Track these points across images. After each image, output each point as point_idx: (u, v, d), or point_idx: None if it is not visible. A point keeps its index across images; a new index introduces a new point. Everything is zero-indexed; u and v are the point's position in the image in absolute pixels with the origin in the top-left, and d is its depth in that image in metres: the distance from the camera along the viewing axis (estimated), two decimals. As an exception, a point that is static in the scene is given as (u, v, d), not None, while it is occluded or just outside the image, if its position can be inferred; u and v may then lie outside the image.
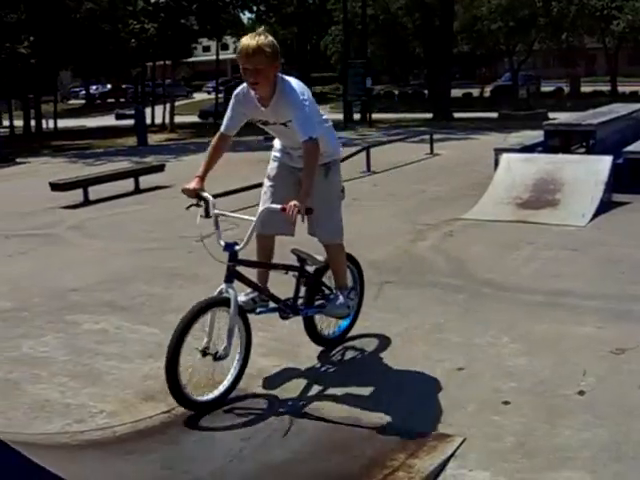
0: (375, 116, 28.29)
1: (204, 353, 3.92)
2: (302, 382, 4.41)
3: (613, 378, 4.33)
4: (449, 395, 4.17)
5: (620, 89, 41.62)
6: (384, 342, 4.98)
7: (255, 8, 38.40)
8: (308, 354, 4.80)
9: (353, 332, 5.06)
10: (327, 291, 4.72)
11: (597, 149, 10.59)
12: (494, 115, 28.72)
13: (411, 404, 4.09)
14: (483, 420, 3.87)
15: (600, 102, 21.72)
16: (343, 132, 23.48)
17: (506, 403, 4.05)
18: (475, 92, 44.81)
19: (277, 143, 4.67)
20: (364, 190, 11.40)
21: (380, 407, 4.05)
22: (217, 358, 3.95)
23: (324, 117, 4.70)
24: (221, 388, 4.10)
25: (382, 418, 3.94)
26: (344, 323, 4.94)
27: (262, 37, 4.06)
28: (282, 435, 3.77)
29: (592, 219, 8.45)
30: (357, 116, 29.53)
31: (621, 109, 14.67)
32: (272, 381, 4.44)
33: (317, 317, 4.75)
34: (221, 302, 4.07)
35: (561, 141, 11.28)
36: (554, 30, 40.57)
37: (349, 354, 4.83)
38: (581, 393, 4.14)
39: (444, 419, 3.89)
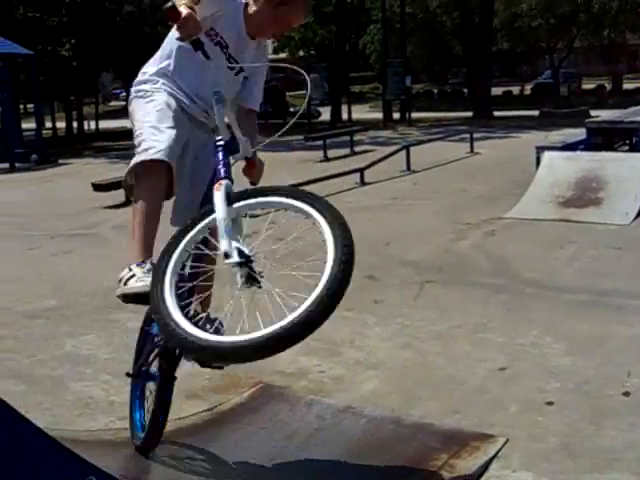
0: (414, 115, 28.16)
1: None
2: (342, 382, 4.41)
3: (659, 379, 4.26)
4: (491, 395, 4.13)
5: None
6: (425, 341, 4.96)
7: (294, 8, 38.45)
8: (349, 354, 4.80)
9: (395, 331, 5.06)
10: None
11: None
12: (535, 113, 28.40)
13: (453, 404, 4.06)
14: (526, 420, 3.83)
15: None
16: (383, 131, 23.49)
17: (550, 404, 4.00)
18: (515, 90, 44.40)
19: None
20: (404, 189, 11.39)
21: (421, 407, 4.04)
22: None
23: None
24: None
25: (423, 418, 3.92)
26: None
27: None
28: (323, 435, 3.77)
29: (636, 217, 8.33)
30: (396, 115, 29.44)
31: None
32: (312, 381, 4.44)
33: None
34: None
35: (604, 139, 11.14)
36: (595, 26, 40.04)
37: (390, 353, 4.82)
38: (626, 394, 4.08)
39: (487, 419, 3.86)
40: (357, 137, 18.51)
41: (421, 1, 42.33)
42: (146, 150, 3.02)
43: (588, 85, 45.11)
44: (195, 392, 4.32)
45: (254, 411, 4.04)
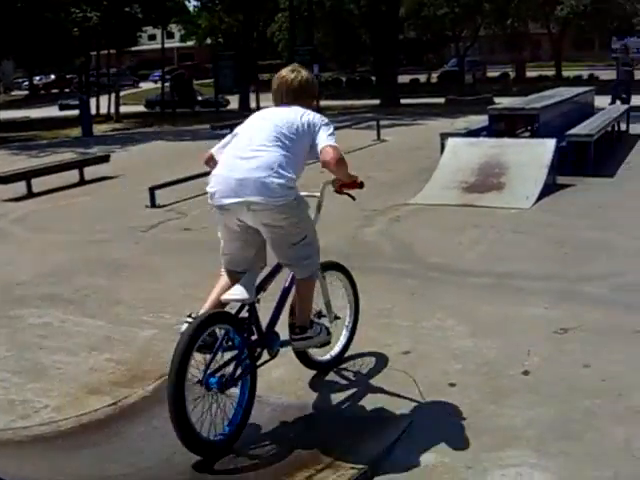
0: (323, 103, 28.14)
1: None
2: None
3: (557, 358, 4.40)
4: (396, 379, 4.19)
5: (564, 73, 42.20)
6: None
7: (201, -4, 38.10)
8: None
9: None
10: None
11: (541, 132, 10.72)
12: (441, 101, 28.89)
13: (358, 389, 4.11)
14: (430, 402, 3.90)
15: (545, 86, 21.92)
16: (291, 120, 23.46)
17: (452, 385, 4.09)
18: (422, 78, 45.03)
19: None
20: (311, 177, 11.35)
21: (327, 393, 4.07)
22: None
23: None
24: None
25: (330, 404, 3.96)
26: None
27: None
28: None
29: (536, 201, 8.57)
30: (305, 103, 29.45)
31: (565, 93, 14.87)
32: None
33: None
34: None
35: (506, 125, 11.38)
36: (499, 16, 40.92)
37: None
38: (526, 373, 4.21)
39: (391, 403, 3.92)
40: (266, 126, 18.38)
41: (328, -11, 42.47)
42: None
43: (493, 73, 46.11)
44: (99, 387, 4.25)
45: (159, 404, 3.98)
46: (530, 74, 43.75)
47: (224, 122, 18.18)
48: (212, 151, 3.96)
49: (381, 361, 4.44)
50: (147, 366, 4.51)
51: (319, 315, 4.17)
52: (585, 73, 41.32)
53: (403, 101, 29.01)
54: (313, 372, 4.28)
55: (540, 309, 5.20)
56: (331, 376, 4.27)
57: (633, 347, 4.50)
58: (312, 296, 4.00)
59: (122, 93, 36.10)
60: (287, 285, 4.03)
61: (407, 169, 11.59)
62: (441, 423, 3.69)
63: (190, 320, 3.54)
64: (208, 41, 54.14)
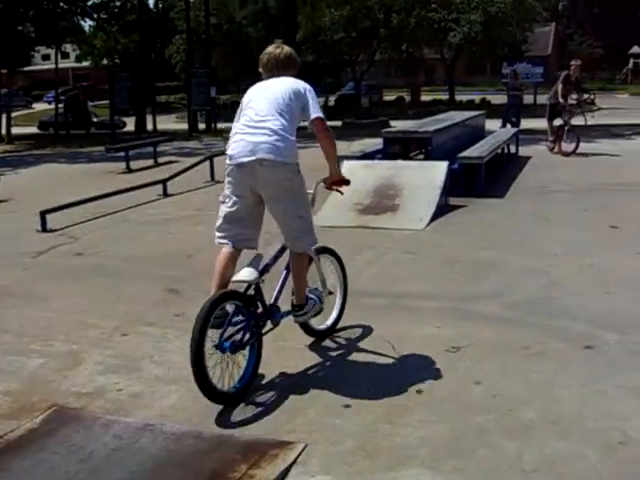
0: (222, 125, 28.09)
1: None
2: (142, 399, 4.30)
3: (449, 375, 4.47)
4: (291, 401, 4.18)
5: (458, 97, 43.40)
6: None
7: (96, 16, 37.38)
8: (149, 370, 4.69)
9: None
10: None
11: (434, 155, 10.95)
12: (338, 124, 29.19)
13: (253, 413, 4.07)
14: (325, 424, 3.90)
15: (440, 110, 22.53)
16: (188, 142, 23.29)
17: (347, 406, 4.10)
18: (320, 101, 45.49)
19: None
20: (208, 200, 11.28)
21: (221, 418, 4.02)
22: None
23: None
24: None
25: (223, 429, 3.91)
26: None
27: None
28: (120, 455, 3.66)
29: (430, 222, 8.74)
30: (202, 126, 29.29)
31: (457, 116, 15.29)
32: (110, 400, 4.30)
33: None
34: None
35: (401, 148, 11.59)
36: (395, 41, 41.76)
37: (188, 366, 4.74)
38: (419, 392, 4.26)
39: (286, 426, 3.90)
40: (162, 148, 18.24)
41: (226, 12, 42.49)
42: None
43: (389, 96, 47.01)
44: (-17, 420, 4.07)
45: (47, 436, 3.86)
46: (425, 98, 44.85)
47: (120, 144, 17.90)
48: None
49: (276, 385, 4.41)
50: (35, 396, 4.35)
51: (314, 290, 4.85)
52: (477, 97, 42.64)
53: (301, 124, 29.18)
54: (202, 401, 4.22)
55: (433, 328, 5.29)
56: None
57: (523, 363, 4.63)
58: (306, 274, 4.75)
59: (14, 114, 35.06)
60: (286, 269, 4.77)
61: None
62: (337, 445, 3.68)
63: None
64: (104, 62, 53.35)
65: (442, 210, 9.27)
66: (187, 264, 7.32)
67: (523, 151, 16.31)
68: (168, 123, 33.14)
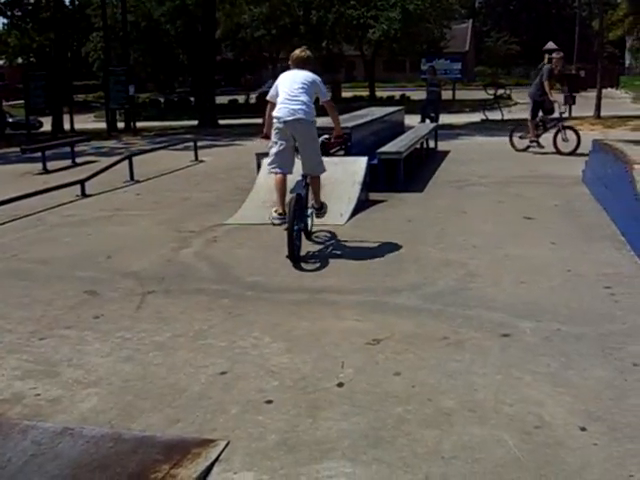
0: (141, 124, 27.81)
1: None
2: (61, 403, 4.23)
3: (370, 368, 4.52)
4: (213, 400, 4.16)
5: (378, 94, 43.78)
6: (147, 353, 4.89)
7: (9, 13, 36.49)
8: (67, 374, 4.61)
9: (116, 345, 4.96)
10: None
11: (354, 151, 11.01)
12: (259, 121, 29.12)
13: (175, 413, 4.04)
14: (247, 421, 3.90)
15: (360, 106, 22.62)
16: (107, 141, 22.92)
17: (269, 402, 4.11)
18: (241, 99, 45.26)
19: None
20: (127, 199, 11.17)
21: (143, 419, 3.98)
22: None
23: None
24: None
25: (145, 430, 3.87)
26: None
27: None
28: (39, 460, 3.59)
29: (350, 218, 8.80)
30: (121, 125, 28.86)
31: (376, 112, 15.42)
32: (28, 405, 4.21)
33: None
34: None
35: (321, 144, 11.58)
36: (314, 38, 41.87)
37: (111, 368, 4.68)
38: (340, 385, 4.29)
39: (208, 424, 3.88)
40: (80, 148, 17.91)
41: (144, 9, 41.91)
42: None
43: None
44: None
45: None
46: (345, 94, 45.07)
47: (36, 145, 17.49)
48: (271, 99, 7.41)
49: (198, 383, 4.39)
50: (-52, 405, 4.23)
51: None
52: (397, 93, 43.05)
53: (222, 122, 29.04)
54: (126, 398, 4.18)
55: (353, 321, 5.34)
56: (146, 401, 4.17)
57: (441, 353, 4.71)
58: (320, 188, 7.69)
59: None
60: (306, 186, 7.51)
61: (224, 189, 11.61)
62: (259, 441, 3.69)
63: (278, 215, 7.15)
64: (19, 60, 51.95)
65: (362, 205, 9.36)
66: (106, 265, 7.21)
67: (442, 146, 16.59)
68: (86, 122, 32.59)
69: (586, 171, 11.03)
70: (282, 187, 7.24)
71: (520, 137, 15.28)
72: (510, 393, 4.11)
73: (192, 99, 40.69)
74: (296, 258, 6.88)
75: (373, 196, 9.98)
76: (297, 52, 7.58)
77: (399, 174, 10.88)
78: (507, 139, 15.68)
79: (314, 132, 7.31)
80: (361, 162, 9.74)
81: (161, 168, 14.36)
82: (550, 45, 65.38)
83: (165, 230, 8.72)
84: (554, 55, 15.41)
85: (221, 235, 8.32)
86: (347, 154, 11.11)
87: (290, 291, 6.12)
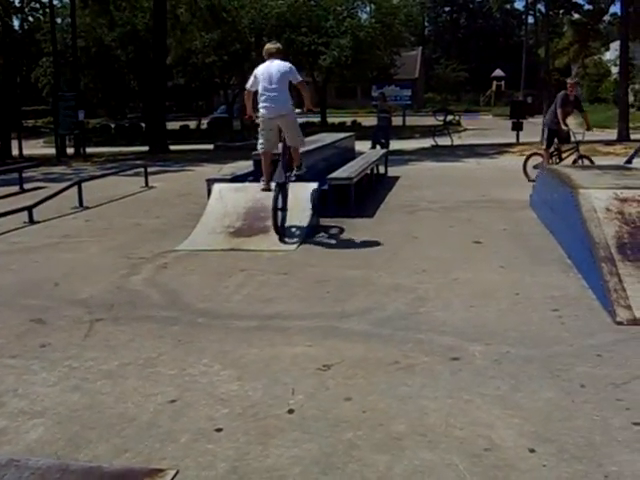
0: (91, 150, 27.57)
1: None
2: (6, 434, 4.12)
3: (320, 393, 4.51)
4: (162, 428, 4.10)
5: (330, 120, 44.03)
6: (94, 382, 4.81)
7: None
8: (13, 404, 4.51)
9: (63, 374, 4.88)
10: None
11: (306, 176, 11.03)
12: (210, 147, 29.15)
13: (123, 442, 3.97)
14: (196, 450, 3.85)
15: (313, 132, 22.77)
16: (56, 167, 22.66)
17: (219, 430, 4.06)
18: (192, 124, 45.18)
19: None
20: (76, 226, 11.03)
21: (90, 450, 3.90)
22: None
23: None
24: None
25: (92, 461, 3.79)
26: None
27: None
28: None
29: (301, 243, 8.81)
30: (71, 150, 28.56)
31: (327, 138, 15.52)
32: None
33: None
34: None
35: (272, 169, 11.59)
36: (265, 64, 42.04)
37: (57, 398, 4.59)
38: (291, 411, 4.26)
39: (157, 453, 3.82)
40: (29, 174, 17.67)
41: (95, 34, 41.67)
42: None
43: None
44: None
45: None
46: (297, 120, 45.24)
47: (-18, 171, 17.21)
48: (250, 89, 9.03)
49: (147, 412, 4.33)
50: None
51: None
52: (349, 120, 43.37)
53: (173, 147, 28.93)
54: (73, 429, 4.10)
55: (304, 347, 5.32)
56: (94, 431, 4.10)
57: (392, 378, 4.72)
58: (298, 154, 9.46)
59: None
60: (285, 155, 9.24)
61: (175, 215, 11.54)
62: (209, 469, 3.64)
63: (273, 186, 9.02)
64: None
65: (313, 231, 9.38)
66: (53, 293, 7.09)
67: (392, 171, 16.74)
68: (35, 148, 32.19)
69: (533, 195, 11.22)
70: (269, 161, 9.27)
71: (534, 167, 13.97)
72: (460, 416, 4.13)
73: (143, 125, 40.49)
74: (279, 232, 8.79)
75: (324, 221, 10.01)
76: (268, 45, 9.06)
77: (350, 199, 10.94)
78: (456, 164, 15.87)
79: (294, 117, 9.09)
80: (311, 187, 9.78)
81: (111, 194, 14.22)
82: (498, 72, 66.79)
83: (115, 257, 8.62)
84: (568, 80, 14.90)
85: (171, 261, 8.24)
86: (298, 179, 11.14)
87: (241, 318, 6.08)
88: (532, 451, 3.71)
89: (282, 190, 8.96)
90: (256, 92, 8.90)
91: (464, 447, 3.77)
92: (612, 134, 26.88)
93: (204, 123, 44.95)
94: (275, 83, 8.67)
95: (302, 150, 11.73)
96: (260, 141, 9.13)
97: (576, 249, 7.42)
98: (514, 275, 7.23)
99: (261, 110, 8.82)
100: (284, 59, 8.97)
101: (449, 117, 30.19)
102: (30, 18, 41.27)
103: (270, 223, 8.99)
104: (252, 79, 8.90)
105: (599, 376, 4.65)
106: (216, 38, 40.40)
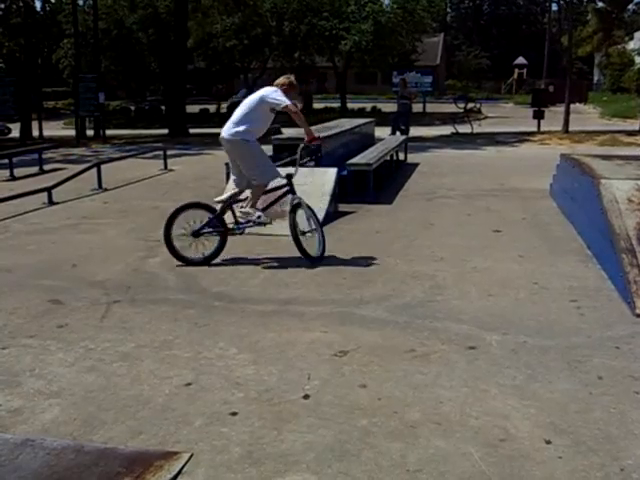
0: (110, 132, 27.57)
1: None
2: (22, 414, 4.15)
3: (335, 379, 4.50)
4: (177, 412, 4.11)
5: (350, 105, 43.83)
6: (110, 364, 4.83)
7: (-20, 19, 36.07)
8: (29, 384, 4.53)
9: (79, 355, 4.90)
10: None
11: (324, 162, 11.02)
12: (230, 130, 29.11)
13: (138, 425, 3.98)
14: (211, 433, 3.86)
15: (331, 118, 22.68)
16: (76, 149, 22.73)
17: (234, 414, 4.07)
18: (212, 108, 45.14)
19: None
20: (95, 208, 11.06)
21: (105, 431, 3.92)
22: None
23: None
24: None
25: (107, 442, 3.81)
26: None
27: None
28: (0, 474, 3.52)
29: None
30: (91, 132, 28.62)
31: (346, 124, 15.43)
32: (-13, 415, 4.14)
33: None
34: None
35: (290, 155, 11.57)
36: (286, 49, 41.90)
37: (73, 379, 4.61)
38: (306, 397, 4.26)
39: (172, 436, 3.83)
40: (48, 155, 17.75)
41: (116, 16, 41.66)
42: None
43: (281, 104, 47.02)
44: None
45: None
46: (317, 106, 45.11)
47: (3, 151, 17.27)
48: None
49: (162, 395, 4.34)
50: None
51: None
52: (369, 105, 43.20)
53: (192, 131, 28.90)
54: (89, 409, 4.12)
55: (320, 333, 5.32)
56: (109, 413, 4.11)
57: (407, 366, 4.70)
58: (258, 196, 7.59)
59: None
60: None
61: (193, 198, 11.50)
62: (223, 453, 3.65)
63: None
64: (-11, 66, 51.42)
65: (331, 217, 9.36)
66: (71, 273, 7.12)
67: (412, 158, 16.66)
68: (56, 129, 32.23)
69: (553, 185, 11.13)
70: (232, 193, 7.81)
71: None
72: (476, 406, 4.11)
73: (163, 108, 40.50)
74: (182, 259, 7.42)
75: (342, 207, 9.99)
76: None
77: (369, 186, 10.90)
78: (476, 152, 15.79)
79: (244, 144, 7.32)
80: (331, 173, 9.74)
81: (130, 176, 14.26)
82: (520, 60, 66.23)
83: (132, 239, 8.65)
84: None
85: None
86: (317, 165, 11.11)
87: (257, 302, 6.08)
88: (548, 442, 3.69)
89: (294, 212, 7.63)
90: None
91: (479, 437, 3.76)
92: (634, 124, 26.57)
93: (224, 107, 44.86)
94: (238, 110, 7.53)
95: (322, 135, 11.73)
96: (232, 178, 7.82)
97: (596, 239, 7.35)
98: (533, 265, 7.18)
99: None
100: (287, 88, 7.53)
101: (470, 104, 29.98)
102: (52, -1, 41.48)
103: (287, 208, 8.96)
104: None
105: (617, 368, 4.61)
106: (237, 22, 40.31)
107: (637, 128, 25.50)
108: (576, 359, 4.77)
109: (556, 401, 4.17)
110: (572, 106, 26.19)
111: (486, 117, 33.15)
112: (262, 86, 8.07)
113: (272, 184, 7.67)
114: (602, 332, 5.27)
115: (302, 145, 7.73)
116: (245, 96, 8.00)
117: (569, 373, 4.56)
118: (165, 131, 29.05)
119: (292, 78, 7.74)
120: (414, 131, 22.54)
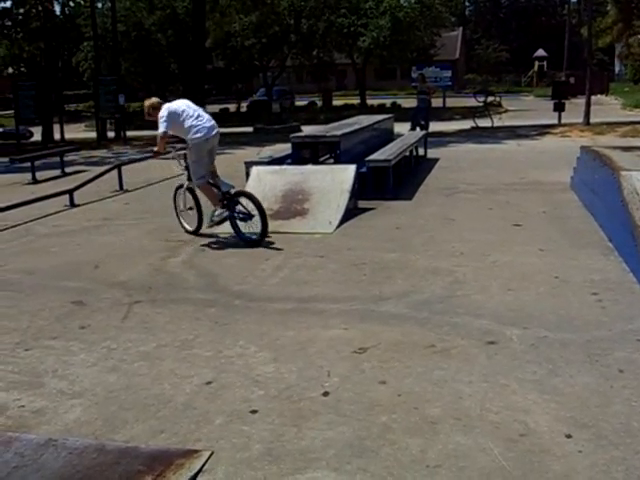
0: (131, 134, 27.72)
1: None
2: (45, 414, 4.20)
3: (355, 376, 4.51)
4: (198, 410, 4.14)
5: (369, 102, 43.73)
6: (132, 363, 4.87)
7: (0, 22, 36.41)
8: (52, 384, 4.58)
9: (101, 355, 4.94)
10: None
11: (343, 159, 11.02)
12: (250, 129, 29.17)
13: (159, 424, 4.01)
14: (231, 431, 3.88)
15: (351, 114, 22.63)
16: (97, 151, 22.87)
17: (254, 412, 4.09)
18: (232, 107, 45.25)
19: None
20: (116, 209, 11.15)
21: (127, 430, 3.95)
22: None
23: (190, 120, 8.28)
24: None
25: (129, 442, 3.84)
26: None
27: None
28: (22, 472, 3.56)
29: (339, 226, 8.80)
30: (112, 134, 28.80)
31: (365, 120, 15.40)
32: (11, 417, 4.18)
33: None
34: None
35: (310, 152, 11.61)
36: (305, 46, 41.91)
37: (95, 379, 4.66)
38: (326, 394, 4.27)
39: (192, 435, 3.86)
40: (70, 157, 17.89)
41: (134, 18, 41.87)
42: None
43: (301, 102, 47.12)
44: None
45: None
46: (337, 103, 45.07)
47: (25, 154, 17.43)
48: (165, 132, 8.23)
49: (183, 393, 4.37)
50: None
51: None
52: (388, 101, 43.04)
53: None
54: (111, 409, 4.16)
55: (340, 330, 5.32)
56: (130, 412, 4.15)
57: (427, 361, 4.70)
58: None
59: None
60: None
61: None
62: (243, 451, 3.67)
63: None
64: (10, 70, 51.82)
65: (351, 213, 9.36)
66: (93, 275, 7.18)
67: (432, 153, 16.61)
68: (77, 132, 32.51)
69: (574, 177, 11.06)
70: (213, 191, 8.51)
71: None
72: (496, 401, 4.10)
73: (183, 108, 40.62)
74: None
75: (362, 204, 9.98)
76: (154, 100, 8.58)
77: (388, 182, 10.88)
78: (496, 145, 15.73)
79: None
80: (350, 170, 9.74)
81: (151, 177, 14.34)
82: (540, 52, 65.78)
83: (153, 240, 8.70)
84: None
85: (209, 244, 8.30)
86: (337, 162, 11.13)
87: (277, 300, 6.10)
88: (568, 437, 3.67)
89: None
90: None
91: (499, 432, 3.75)
92: (657, 115, 26.33)
93: (243, 106, 44.96)
94: (201, 111, 8.49)
95: (341, 132, 11.76)
96: (201, 173, 8.44)
97: (617, 232, 7.30)
98: (553, 258, 7.14)
99: (198, 134, 8.15)
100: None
101: (490, 98, 29.82)
102: (71, 3, 41.77)
103: (307, 206, 9.01)
104: (175, 117, 8.23)
105: (638, 362, 4.58)
106: (255, 20, 40.36)
107: (659, 119, 25.25)
108: (597, 353, 4.74)
109: (577, 395, 4.15)
110: (593, 98, 26.00)
111: (506, 110, 32.98)
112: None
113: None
114: (623, 325, 5.23)
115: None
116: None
117: (590, 367, 4.53)
118: (185, 131, 29.10)
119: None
120: (434, 126, 22.46)
